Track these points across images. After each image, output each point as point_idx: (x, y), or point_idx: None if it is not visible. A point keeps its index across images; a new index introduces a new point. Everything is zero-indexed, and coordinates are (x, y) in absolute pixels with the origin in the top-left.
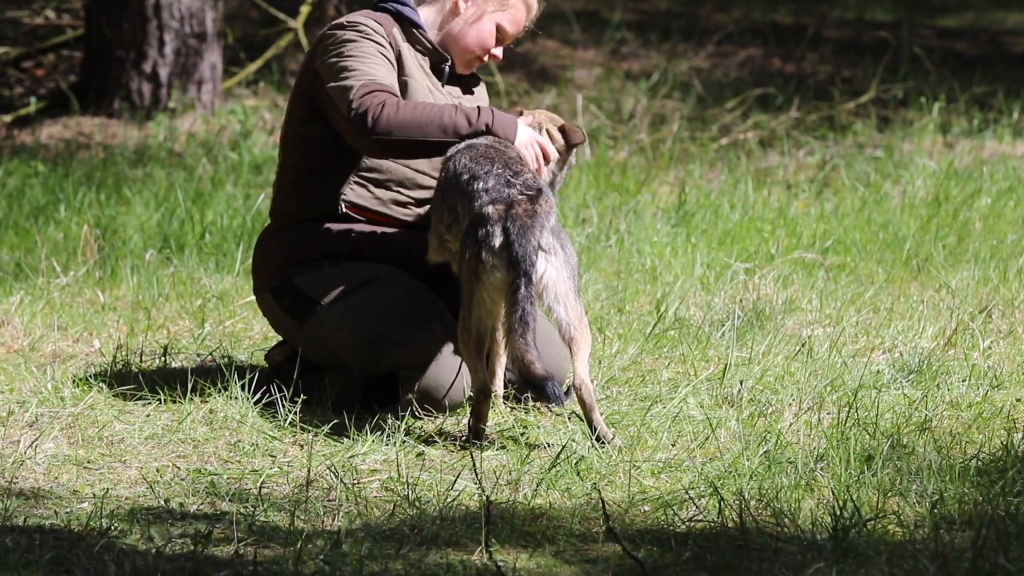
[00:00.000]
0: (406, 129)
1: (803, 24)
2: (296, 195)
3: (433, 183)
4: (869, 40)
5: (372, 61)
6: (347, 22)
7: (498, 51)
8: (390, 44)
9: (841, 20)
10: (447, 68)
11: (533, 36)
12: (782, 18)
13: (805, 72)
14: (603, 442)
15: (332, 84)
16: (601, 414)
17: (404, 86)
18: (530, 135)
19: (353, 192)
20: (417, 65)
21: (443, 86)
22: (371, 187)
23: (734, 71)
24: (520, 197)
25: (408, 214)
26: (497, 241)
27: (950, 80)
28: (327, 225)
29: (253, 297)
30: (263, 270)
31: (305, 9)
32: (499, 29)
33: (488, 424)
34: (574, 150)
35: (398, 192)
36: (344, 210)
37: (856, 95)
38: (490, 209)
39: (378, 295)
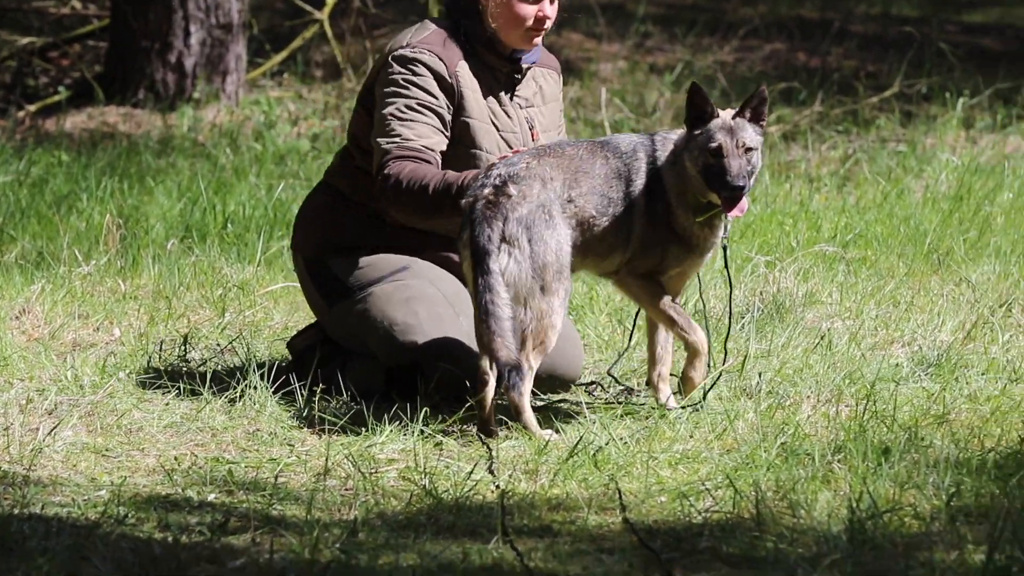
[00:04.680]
0: (407, 201)
1: (828, 19)
2: (358, 179)
3: None
4: (894, 35)
5: (415, 120)
6: (409, 55)
7: (547, 10)
8: (448, 86)
9: (867, 15)
10: (520, 71)
11: (558, 29)
12: (807, 12)
13: (829, 66)
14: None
15: (375, 135)
16: (621, 403)
17: (465, 127)
18: None
19: None
20: (481, 91)
21: (512, 98)
22: None
23: (759, 65)
24: (486, 190)
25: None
26: (464, 234)
27: (974, 75)
28: (376, 219)
29: (274, 287)
30: (302, 234)
31: (331, 0)
32: None
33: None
34: None
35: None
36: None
37: (880, 90)
38: (464, 203)
39: (407, 286)
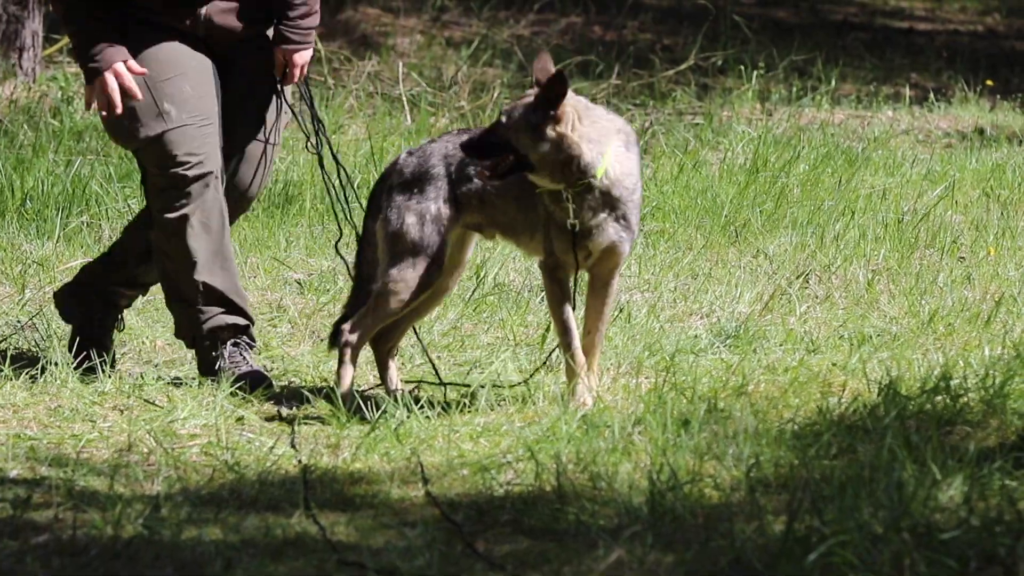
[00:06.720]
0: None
1: None
2: None
3: None
4: (689, 8)
5: None
6: None
7: None
8: None
9: None
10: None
11: (355, 3)
12: None
13: (625, 40)
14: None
15: None
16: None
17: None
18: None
19: None
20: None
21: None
22: None
23: (555, 39)
24: (399, 156)
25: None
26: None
27: (769, 48)
28: None
29: (74, 263)
30: None
31: None
32: None
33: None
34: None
35: None
36: None
37: (676, 63)
38: None
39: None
